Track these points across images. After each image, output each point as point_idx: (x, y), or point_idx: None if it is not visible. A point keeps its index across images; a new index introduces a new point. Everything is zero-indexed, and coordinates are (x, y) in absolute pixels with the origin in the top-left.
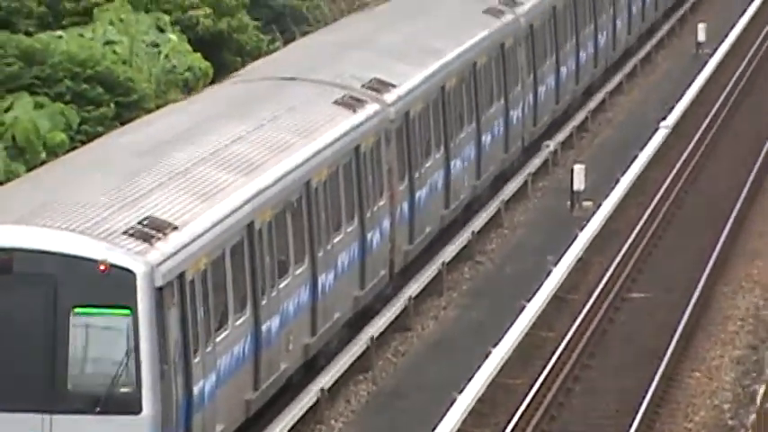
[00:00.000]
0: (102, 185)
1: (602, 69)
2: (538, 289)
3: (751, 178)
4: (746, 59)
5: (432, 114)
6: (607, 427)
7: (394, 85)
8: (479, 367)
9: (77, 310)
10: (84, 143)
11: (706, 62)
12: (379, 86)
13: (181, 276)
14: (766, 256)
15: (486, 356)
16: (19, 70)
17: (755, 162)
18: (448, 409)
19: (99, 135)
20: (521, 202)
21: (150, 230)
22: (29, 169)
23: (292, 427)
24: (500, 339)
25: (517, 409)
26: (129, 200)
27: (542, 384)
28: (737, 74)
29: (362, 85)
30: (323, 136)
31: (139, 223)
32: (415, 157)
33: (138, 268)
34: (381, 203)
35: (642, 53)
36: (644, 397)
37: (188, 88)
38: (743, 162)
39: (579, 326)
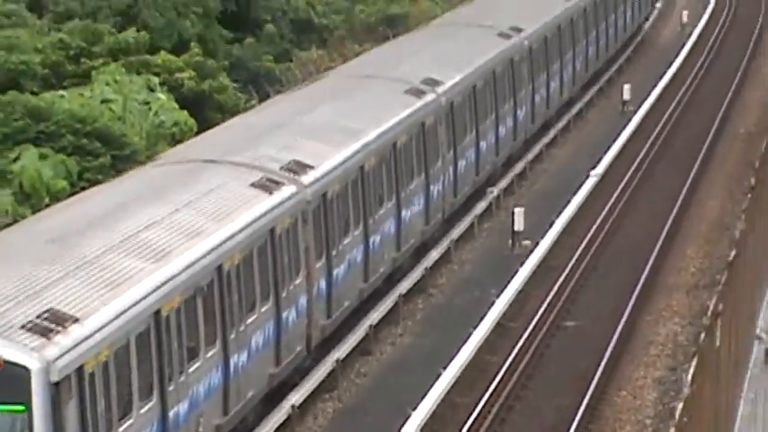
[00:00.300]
0: (6, 276)
1: (522, 141)
2: (483, 318)
3: (669, 221)
4: (666, 115)
5: (350, 193)
6: None
7: (312, 167)
8: (431, 386)
9: None
10: (84, 189)
11: (630, 118)
12: (297, 168)
13: (80, 369)
14: (683, 289)
15: (438, 377)
16: (25, 125)
17: (673, 207)
18: (404, 424)
19: (98, 182)
20: (468, 242)
21: (49, 324)
22: (34, 212)
23: None
24: (449, 362)
25: (464, 424)
26: (33, 291)
27: (486, 402)
28: (659, 128)
29: (281, 167)
30: (236, 220)
31: (39, 317)
32: (332, 236)
33: (33, 364)
34: (298, 282)
35: (575, 109)
36: (576, 413)
37: (175, 141)
38: (663, 206)
39: (519, 351)
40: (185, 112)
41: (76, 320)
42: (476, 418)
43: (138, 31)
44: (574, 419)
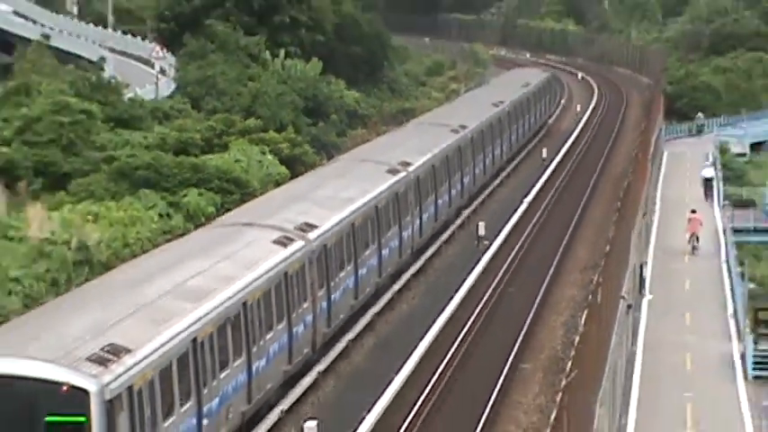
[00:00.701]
0: (83, 318)
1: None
2: (465, 279)
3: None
4: (519, 245)
5: (345, 241)
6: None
7: (317, 226)
8: (443, 309)
9: (48, 418)
10: (226, 212)
11: (486, 249)
12: (306, 227)
13: (129, 388)
14: (578, 269)
15: (444, 309)
16: (191, 175)
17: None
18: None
19: (232, 209)
20: (451, 243)
21: (108, 355)
22: (196, 227)
23: None
24: (448, 302)
25: (464, 326)
26: (102, 329)
27: (475, 316)
28: (510, 256)
29: (295, 227)
30: (258, 268)
31: (102, 349)
32: (331, 271)
33: (91, 388)
34: (305, 305)
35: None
36: (515, 342)
37: (277, 184)
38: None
39: (483, 303)
40: (283, 167)
41: (129, 351)
42: (470, 327)
43: (255, 119)
44: (515, 343)
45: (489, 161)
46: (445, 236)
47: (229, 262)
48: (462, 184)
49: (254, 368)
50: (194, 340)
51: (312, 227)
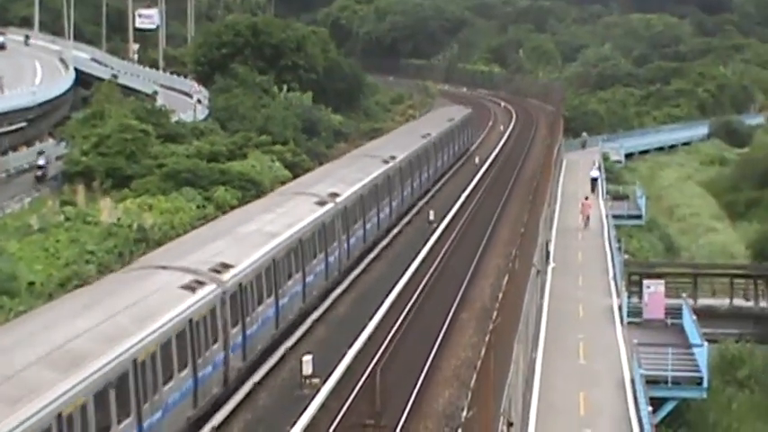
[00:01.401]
0: None
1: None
2: (421, 248)
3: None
4: (458, 228)
5: (264, 276)
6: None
7: (232, 266)
8: (408, 267)
9: None
10: (248, 202)
11: (434, 230)
12: (221, 268)
13: None
14: (501, 244)
15: (406, 269)
16: (219, 177)
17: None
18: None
19: (250, 201)
20: (409, 224)
21: None
22: (223, 213)
23: None
24: (410, 265)
25: (428, 279)
26: None
27: (433, 270)
28: (453, 235)
29: (209, 269)
30: (153, 323)
31: None
32: (247, 308)
33: None
34: (215, 347)
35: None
36: (455, 298)
37: (282, 183)
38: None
39: (433, 269)
40: (287, 171)
41: None
42: (427, 281)
43: (267, 136)
44: (454, 301)
45: (417, 185)
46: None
47: (125, 315)
48: (391, 208)
49: (145, 425)
50: (59, 416)
51: (227, 267)
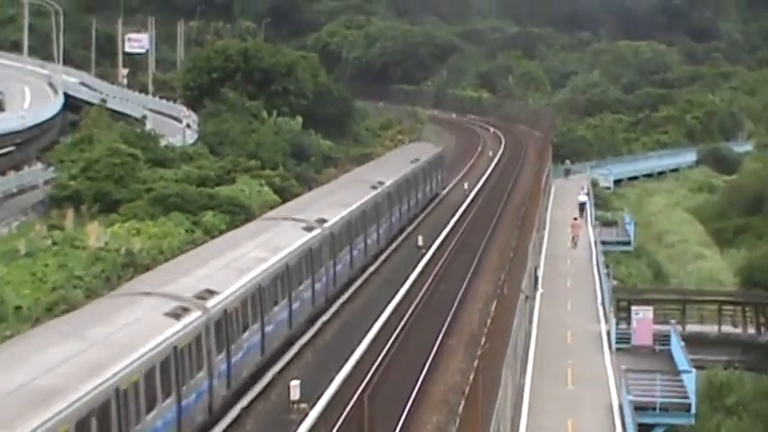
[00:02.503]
0: None
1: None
2: (411, 272)
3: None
4: (447, 254)
5: (250, 303)
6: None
7: (217, 293)
8: (398, 290)
9: None
10: (237, 226)
11: (423, 255)
12: (206, 295)
13: None
14: (490, 270)
15: (395, 293)
16: (208, 202)
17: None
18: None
19: (239, 226)
20: (401, 248)
21: None
22: (211, 238)
23: None
24: (399, 289)
25: (420, 300)
26: None
27: (421, 294)
28: (442, 261)
29: (194, 295)
30: (139, 349)
31: None
32: (232, 335)
33: None
34: (200, 374)
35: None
36: (444, 321)
37: (271, 207)
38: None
39: (422, 294)
40: (276, 196)
41: None
42: (417, 304)
43: (256, 160)
44: (443, 327)
45: (405, 209)
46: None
47: (108, 343)
48: (378, 234)
49: None
50: None
51: (212, 293)
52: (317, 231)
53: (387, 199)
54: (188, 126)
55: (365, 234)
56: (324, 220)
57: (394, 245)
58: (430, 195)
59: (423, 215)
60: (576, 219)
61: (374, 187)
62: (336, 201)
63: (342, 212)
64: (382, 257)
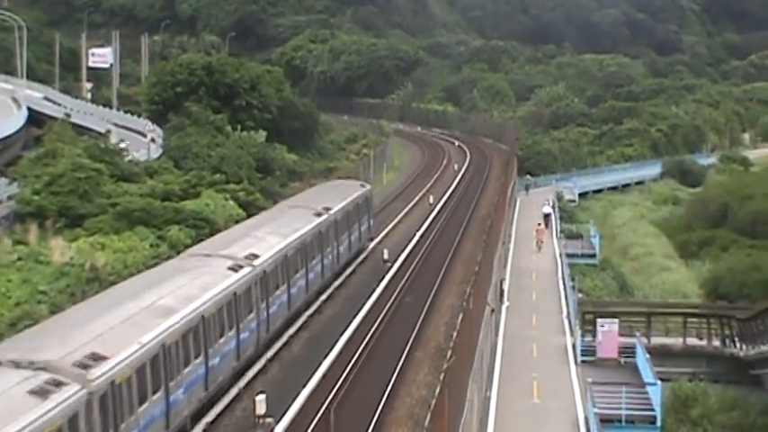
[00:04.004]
0: None
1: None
2: (376, 287)
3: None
4: (413, 267)
5: (149, 370)
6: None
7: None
8: (363, 305)
9: None
10: (198, 241)
11: (389, 269)
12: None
13: None
14: (456, 283)
15: (361, 307)
16: (173, 216)
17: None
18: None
19: (200, 241)
20: (363, 264)
21: None
22: (177, 253)
23: None
24: (364, 305)
25: (384, 315)
26: None
27: (387, 309)
28: (407, 274)
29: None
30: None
31: None
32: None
33: None
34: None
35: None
36: (409, 338)
37: (236, 221)
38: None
39: (387, 308)
40: (241, 210)
41: None
42: (384, 316)
43: (221, 174)
44: (408, 340)
45: (356, 237)
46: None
47: None
48: (323, 266)
49: None
50: None
51: (98, 360)
52: (245, 271)
53: (334, 226)
54: (152, 140)
55: (306, 268)
56: (255, 256)
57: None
58: (347, 256)
59: (387, 229)
60: (540, 224)
61: (318, 214)
62: (272, 233)
63: (277, 246)
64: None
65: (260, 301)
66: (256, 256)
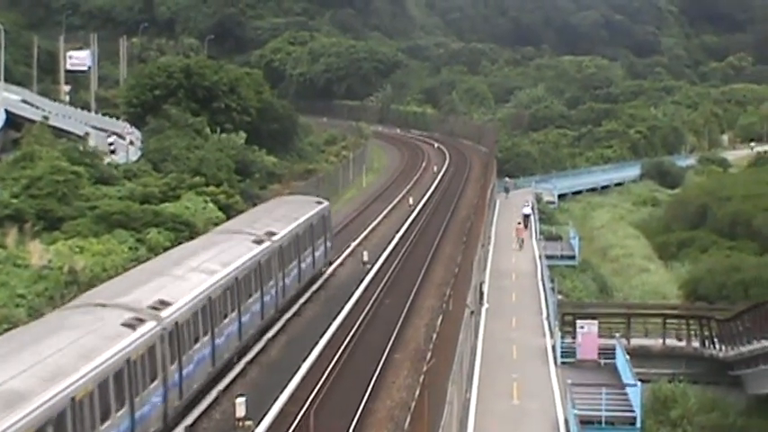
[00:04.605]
0: None
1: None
2: (355, 289)
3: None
4: (393, 269)
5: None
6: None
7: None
8: (347, 302)
9: None
10: (178, 244)
11: (368, 270)
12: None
13: None
14: (435, 285)
15: (342, 307)
16: (152, 219)
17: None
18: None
19: (181, 243)
20: (344, 265)
21: None
22: (155, 254)
23: None
24: (345, 305)
25: (363, 317)
26: None
27: (367, 311)
28: (387, 276)
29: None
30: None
31: None
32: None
33: None
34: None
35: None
36: (387, 344)
37: (215, 224)
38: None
39: (368, 309)
40: (221, 212)
41: None
42: (364, 318)
43: (200, 177)
44: (388, 342)
45: (308, 265)
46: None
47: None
48: (263, 304)
49: None
50: None
51: (166, 304)
52: (148, 327)
53: (279, 253)
54: (131, 143)
55: (239, 310)
56: (165, 304)
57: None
58: (295, 288)
59: (367, 230)
60: (519, 223)
61: (258, 241)
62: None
63: (193, 292)
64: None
65: (168, 365)
66: (165, 305)
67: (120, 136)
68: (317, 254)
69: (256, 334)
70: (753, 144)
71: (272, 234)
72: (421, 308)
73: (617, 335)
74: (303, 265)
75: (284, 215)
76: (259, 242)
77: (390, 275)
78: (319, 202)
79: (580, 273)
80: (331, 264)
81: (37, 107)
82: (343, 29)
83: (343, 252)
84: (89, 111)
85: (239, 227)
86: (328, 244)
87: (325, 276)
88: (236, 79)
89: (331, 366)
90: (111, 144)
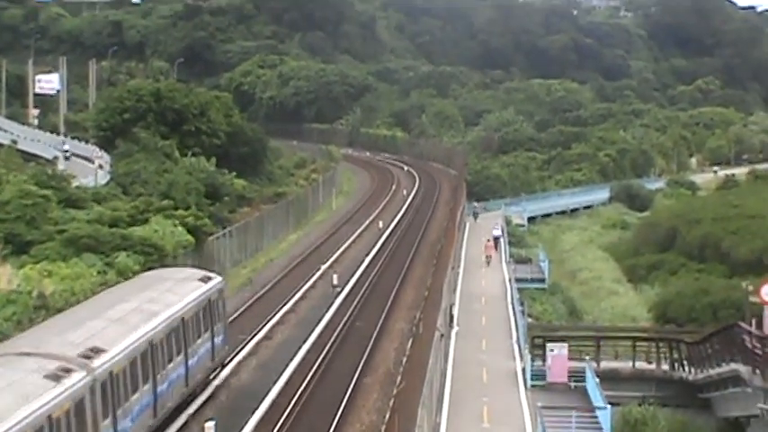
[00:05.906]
0: None
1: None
2: (326, 312)
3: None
4: (362, 292)
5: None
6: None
7: (105, 350)
8: (311, 332)
9: None
10: (148, 268)
11: (338, 294)
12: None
13: None
14: (405, 308)
15: (311, 332)
16: (121, 243)
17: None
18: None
19: (151, 269)
20: (314, 287)
21: None
22: (125, 279)
23: None
24: (315, 328)
25: (331, 343)
26: None
27: (336, 335)
28: (356, 299)
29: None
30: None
31: None
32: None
33: None
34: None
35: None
36: (358, 365)
37: (185, 249)
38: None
39: (337, 334)
40: (190, 236)
41: None
42: (334, 341)
43: (169, 200)
44: (358, 366)
45: (173, 383)
46: None
47: None
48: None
49: None
50: None
51: (100, 351)
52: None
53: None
54: (100, 167)
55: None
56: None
57: None
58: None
59: (337, 253)
60: (489, 240)
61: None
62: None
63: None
64: None
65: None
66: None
67: (90, 160)
68: (190, 361)
69: None
70: (716, 168)
71: (99, 352)
72: (391, 331)
73: (587, 357)
74: (162, 389)
75: (139, 308)
76: (56, 378)
77: (361, 298)
78: (207, 279)
79: (550, 295)
80: (223, 366)
81: (5, 131)
82: (313, 52)
83: (313, 275)
84: (58, 134)
85: (40, 345)
86: (216, 339)
87: (220, 378)
88: (206, 103)
89: (301, 390)
90: (65, 151)
